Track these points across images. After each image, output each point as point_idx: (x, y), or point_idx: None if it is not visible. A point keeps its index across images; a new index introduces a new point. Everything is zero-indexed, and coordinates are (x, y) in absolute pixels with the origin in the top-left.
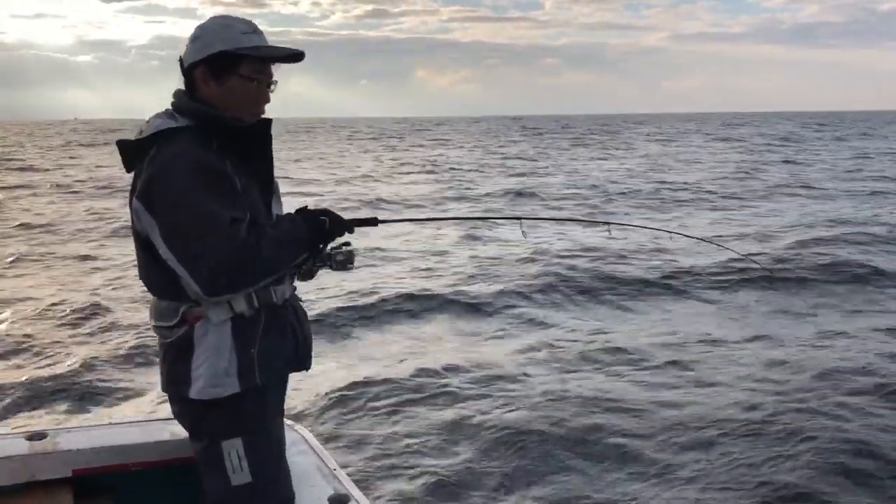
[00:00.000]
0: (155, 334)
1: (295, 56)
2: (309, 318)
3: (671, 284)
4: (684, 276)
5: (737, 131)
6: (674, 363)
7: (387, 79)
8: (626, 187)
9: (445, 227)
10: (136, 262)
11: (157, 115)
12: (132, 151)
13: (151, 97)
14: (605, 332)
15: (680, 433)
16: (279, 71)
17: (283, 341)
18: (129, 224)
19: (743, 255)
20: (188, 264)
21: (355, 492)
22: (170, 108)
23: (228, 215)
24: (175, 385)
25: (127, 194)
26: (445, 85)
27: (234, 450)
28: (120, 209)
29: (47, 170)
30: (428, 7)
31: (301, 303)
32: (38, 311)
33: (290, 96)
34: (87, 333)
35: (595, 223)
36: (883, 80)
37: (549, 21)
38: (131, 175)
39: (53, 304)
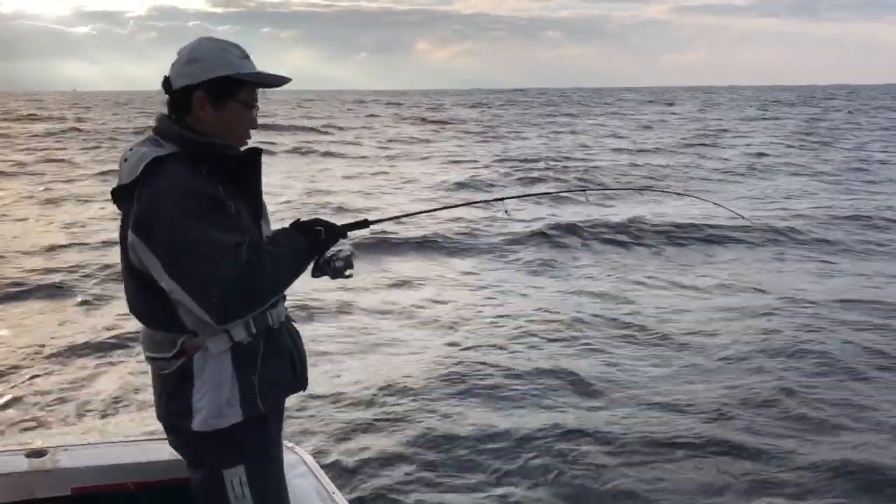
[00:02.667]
0: (148, 365)
1: (285, 82)
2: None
3: None
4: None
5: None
6: None
7: (387, 51)
8: None
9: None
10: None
11: (141, 144)
12: (122, 188)
13: (150, 69)
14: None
15: None
16: (280, 39)
17: (282, 366)
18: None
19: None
20: (197, 294)
21: None
22: (152, 134)
23: (231, 240)
24: (174, 417)
25: None
26: (446, 57)
27: (236, 477)
28: None
29: None
30: None
31: (293, 323)
32: (38, 326)
33: (289, 70)
34: (90, 349)
35: (573, 191)
36: (891, 54)
37: None
38: None
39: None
